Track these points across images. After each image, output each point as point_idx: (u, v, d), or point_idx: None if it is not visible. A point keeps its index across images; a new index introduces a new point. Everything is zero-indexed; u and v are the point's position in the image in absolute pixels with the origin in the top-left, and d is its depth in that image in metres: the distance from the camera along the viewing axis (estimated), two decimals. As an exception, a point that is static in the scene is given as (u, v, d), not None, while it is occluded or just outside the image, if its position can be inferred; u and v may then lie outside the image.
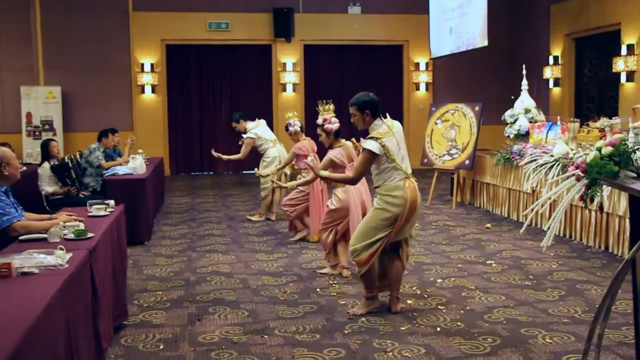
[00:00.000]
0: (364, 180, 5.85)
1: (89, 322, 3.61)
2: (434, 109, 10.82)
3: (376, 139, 4.78)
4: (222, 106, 15.39)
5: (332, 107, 6.14)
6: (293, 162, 7.97)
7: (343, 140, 6.07)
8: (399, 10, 15.40)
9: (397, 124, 4.95)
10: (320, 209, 6.76)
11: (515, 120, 9.48)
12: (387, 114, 5.03)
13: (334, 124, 6.00)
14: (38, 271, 3.20)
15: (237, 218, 9.30)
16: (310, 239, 7.43)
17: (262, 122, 9.49)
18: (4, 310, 2.62)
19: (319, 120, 6.06)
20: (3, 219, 4.17)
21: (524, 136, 9.27)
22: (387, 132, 4.81)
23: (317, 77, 15.62)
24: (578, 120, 8.40)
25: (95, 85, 14.32)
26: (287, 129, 8.02)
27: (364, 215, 5.54)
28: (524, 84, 9.84)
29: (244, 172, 14.86)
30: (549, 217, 7.28)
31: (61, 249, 3.50)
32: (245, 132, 9.28)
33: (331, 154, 5.95)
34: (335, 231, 6.04)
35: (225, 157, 9.46)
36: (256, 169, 8.20)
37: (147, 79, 14.58)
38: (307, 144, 7.79)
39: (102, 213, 4.86)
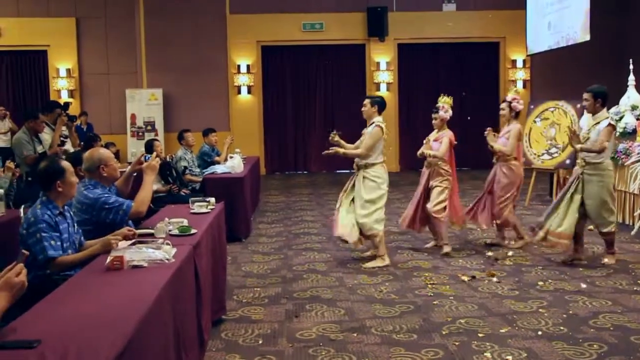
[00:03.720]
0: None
1: (193, 315, 3.74)
2: (532, 106, 10.50)
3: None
4: (316, 106, 15.55)
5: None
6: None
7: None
8: (495, 6, 15.05)
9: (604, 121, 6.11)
10: (456, 197, 7.14)
11: (621, 118, 9.04)
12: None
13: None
14: (147, 264, 3.34)
15: (332, 217, 9.34)
16: (454, 227, 7.21)
17: None
18: (119, 300, 2.76)
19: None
20: (127, 203, 4.40)
21: (630, 134, 8.82)
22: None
23: (411, 76, 15.50)
24: (691, 117, 7.92)
25: (194, 86, 14.80)
26: (437, 112, 6.98)
27: None
28: (631, 79, 9.38)
29: (338, 171, 14.96)
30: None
31: (167, 244, 3.64)
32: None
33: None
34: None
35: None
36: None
37: (243, 80, 14.93)
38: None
39: (204, 210, 5.01)
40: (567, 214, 6.19)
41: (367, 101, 6.60)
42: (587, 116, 6.63)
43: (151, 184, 4.66)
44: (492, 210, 7.08)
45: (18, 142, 7.46)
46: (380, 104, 6.57)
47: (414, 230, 7.19)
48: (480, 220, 7.20)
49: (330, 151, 6.43)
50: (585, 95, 6.17)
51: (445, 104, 6.95)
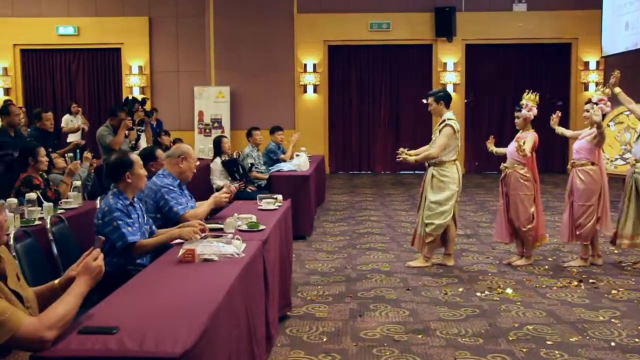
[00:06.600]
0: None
1: (262, 310, 3.78)
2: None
3: None
4: (381, 106, 15.48)
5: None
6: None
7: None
8: (568, 6, 14.65)
9: None
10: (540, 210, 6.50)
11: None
12: None
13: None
14: (217, 258, 3.40)
15: (396, 217, 9.32)
16: (536, 246, 6.63)
17: None
18: (192, 292, 2.82)
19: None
20: (179, 208, 4.53)
21: None
22: None
23: (478, 77, 15.23)
24: None
25: (261, 85, 14.97)
26: (519, 110, 6.49)
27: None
28: None
29: (402, 172, 14.86)
30: None
31: (238, 239, 3.70)
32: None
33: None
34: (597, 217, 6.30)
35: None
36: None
37: (309, 79, 15.00)
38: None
39: (272, 207, 5.07)
40: (628, 215, 6.29)
41: (430, 99, 6.44)
42: None
43: (210, 208, 4.87)
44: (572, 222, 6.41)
45: (100, 135, 8.01)
46: (445, 98, 6.42)
47: (506, 243, 6.71)
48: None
49: (400, 158, 6.34)
50: None
51: (529, 101, 6.43)
